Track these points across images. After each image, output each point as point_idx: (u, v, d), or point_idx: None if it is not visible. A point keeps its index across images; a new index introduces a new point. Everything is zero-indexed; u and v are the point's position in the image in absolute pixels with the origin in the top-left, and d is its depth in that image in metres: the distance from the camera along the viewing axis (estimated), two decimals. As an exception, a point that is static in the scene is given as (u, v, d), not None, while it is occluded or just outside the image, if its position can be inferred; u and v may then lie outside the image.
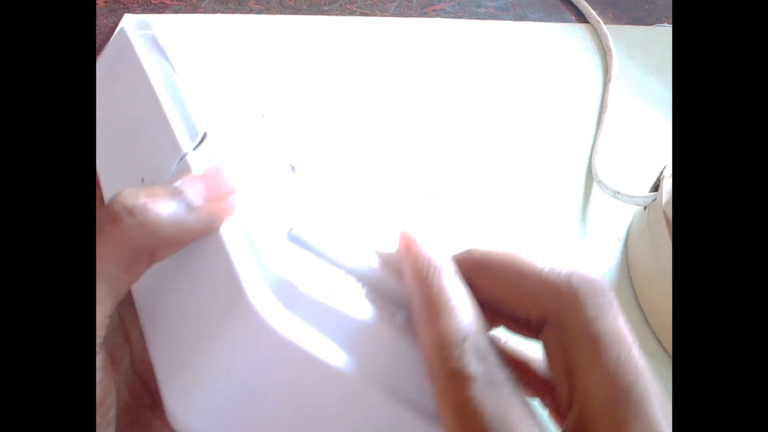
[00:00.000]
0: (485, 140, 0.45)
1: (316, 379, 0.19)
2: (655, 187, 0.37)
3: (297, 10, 0.55)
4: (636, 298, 0.36)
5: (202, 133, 0.23)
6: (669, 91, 0.51)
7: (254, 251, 0.20)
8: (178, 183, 0.20)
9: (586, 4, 0.57)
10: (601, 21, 0.55)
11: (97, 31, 0.53)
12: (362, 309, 0.20)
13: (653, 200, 0.36)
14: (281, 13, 0.54)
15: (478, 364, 0.18)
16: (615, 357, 0.18)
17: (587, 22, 0.57)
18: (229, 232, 0.20)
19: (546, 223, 0.40)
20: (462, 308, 0.19)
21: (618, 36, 0.54)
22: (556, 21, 0.57)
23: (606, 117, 0.47)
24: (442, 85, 0.49)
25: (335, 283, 0.20)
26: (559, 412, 0.21)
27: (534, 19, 0.56)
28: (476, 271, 0.21)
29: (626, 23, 0.57)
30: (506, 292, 0.20)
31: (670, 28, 0.57)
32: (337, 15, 0.54)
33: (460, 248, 0.22)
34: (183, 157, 0.23)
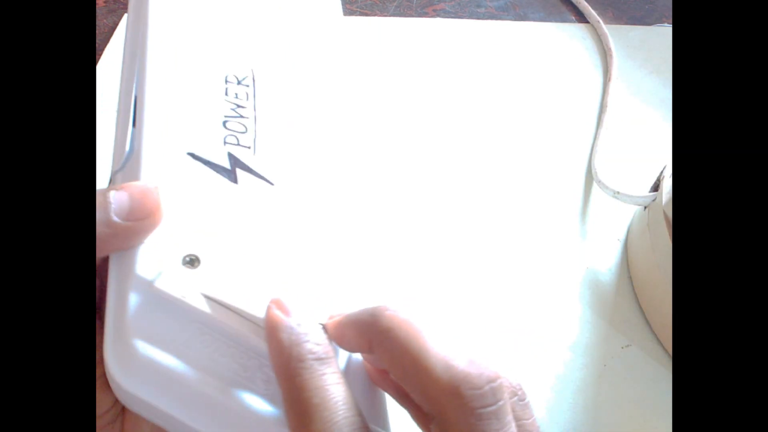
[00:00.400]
0: (485, 140, 0.45)
1: None
2: (655, 187, 0.37)
3: (297, 10, 0.55)
4: (636, 298, 0.36)
5: (126, 154, 0.23)
6: (669, 91, 0.51)
7: (119, 301, 0.20)
8: (110, 193, 0.20)
9: (586, 4, 0.57)
10: (601, 21, 0.55)
11: (97, 31, 0.53)
12: (207, 378, 0.19)
13: (653, 200, 0.36)
14: (281, 13, 0.54)
15: None
16: None
17: (587, 22, 0.57)
18: (118, 271, 0.20)
19: (546, 223, 0.40)
20: (332, 409, 0.18)
21: (618, 36, 0.54)
22: (556, 21, 0.57)
23: (606, 117, 0.47)
24: (442, 85, 0.49)
25: (185, 345, 0.20)
26: None
27: (534, 19, 0.56)
28: (377, 343, 0.19)
29: (626, 23, 0.57)
30: (401, 377, 0.19)
31: (670, 28, 0.57)
32: (337, 15, 0.54)
33: (370, 303, 0.21)
34: (112, 177, 0.23)
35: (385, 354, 0.19)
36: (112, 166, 0.23)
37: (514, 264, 0.38)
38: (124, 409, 0.22)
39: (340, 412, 0.18)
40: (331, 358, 0.19)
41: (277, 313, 0.19)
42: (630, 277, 0.37)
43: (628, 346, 0.34)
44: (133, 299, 0.20)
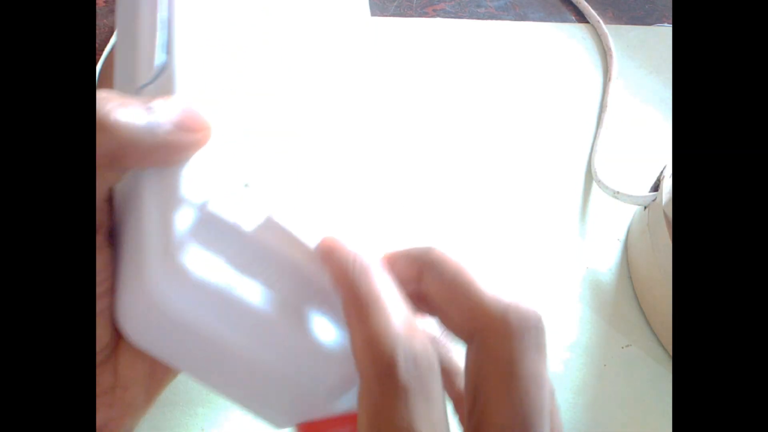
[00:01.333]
0: (485, 140, 0.45)
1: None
2: (655, 187, 0.37)
3: (297, 10, 0.55)
4: (636, 298, 0.36)
5: (158, 70, 0.21)
6: (669, 91, 0.51)
7: (164, 218, 0.19)
8: (153, 102, 0.19)
9: (586, 4, 0.57)
10: (601, 21, 0.55)
11: (97, 31, 0.53)
12: (262, 300, 0.19)
13: (653, 200, 0.36)
14: (281, 13, 0.54)
15: (411, 372, 0.17)
16: (521, 397, 0.18)
17: (587, 22, 0.57)
18: (158, 188, 0.19)
19: (546, 223, 0.40)
20: (394, 307, 0.18)
21: (618, 36, 0.54)
22: (556, 21, 0.57)
23: (606, 117, 0.47)
24: (441, 85, 0.49)
25: (237, 268, 0.19)
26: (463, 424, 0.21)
27: (534, 19, 0.56)
28: (428, 269, 0.20)
29: (626, 23, 0.57)
30: (445, 301, 0.20)
31: (670, 28, 0.57)
32: (337, 15, 0.54)
33: (422, 243, 0.22)
34: (139, 90, 0.21)
35: (434, 279, 0.20)
36: (136, 80, 0.21)
37: (514, 263, 0.38)
38: (116, 348, 0.21)
39: (403, 316, 0.18)
40: (386, 273, 0.20)
41: (332, 239, 0.20)
42: (630, 277, 0.37)
43: (628, 346, 0.34)
44: (178, 220, 0.18)
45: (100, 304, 0.20)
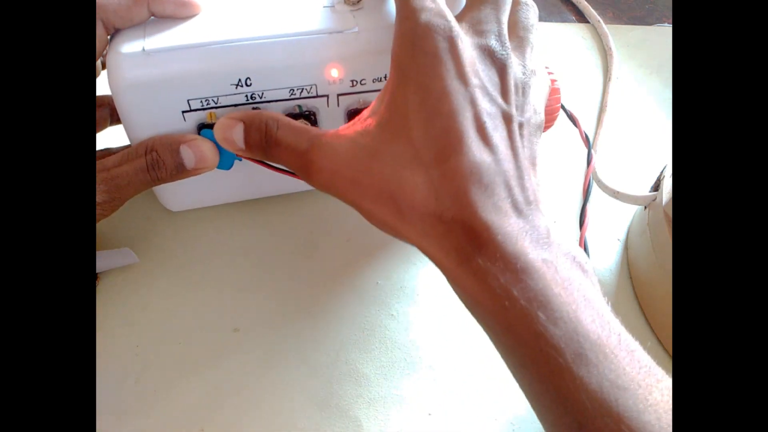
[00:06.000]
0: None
1: None
2: (655, 187, 0.37)
3: (297, 10, 0.54)
4: (636, 298, 0.36)
5: None
6: (669, 91, 0.51)
7: None
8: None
9: (586, 3, 0.57)
10: (601, 21, 0.55)
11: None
12: None
13: (653, 200, 0.36)
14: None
15: None
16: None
17: (587, 21, 0.57)
18: None
19: (546, 223, 0.40)
20: None
21: (618, 36, 0.54)
22: (556, 21, 0.57)
23: (606, 117, 0.47)
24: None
25: None
26: None
27: (534, 19, 0.56)
28: None
29: (626, 23, 0.57)
30: None
31: (670, 28, 0.57)
32: (337, 15, 0.54)
33: None
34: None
35: None
36: None
37: (514, 264, 0.38)
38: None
39: None
40: None
41: None
42: (630, 277, 0.37)
43: (628, 346, 0.34)
44: None
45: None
